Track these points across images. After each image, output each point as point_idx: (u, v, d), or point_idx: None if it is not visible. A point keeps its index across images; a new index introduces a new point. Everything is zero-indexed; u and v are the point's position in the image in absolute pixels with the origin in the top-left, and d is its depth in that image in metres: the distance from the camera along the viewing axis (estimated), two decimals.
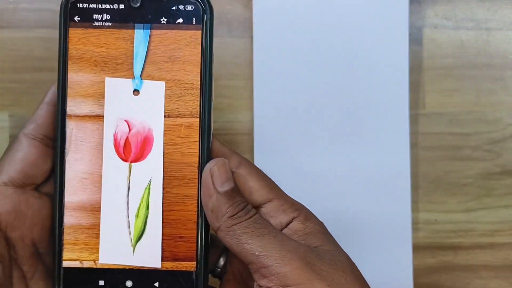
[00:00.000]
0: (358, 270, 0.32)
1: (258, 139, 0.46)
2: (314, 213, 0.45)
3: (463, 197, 0.47)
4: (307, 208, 0.33)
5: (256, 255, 0.30)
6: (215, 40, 0.46)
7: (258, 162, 0.46)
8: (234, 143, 0.47)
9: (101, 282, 0.32)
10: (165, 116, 0.32)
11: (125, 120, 0.32)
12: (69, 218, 0.32)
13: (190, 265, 0.32)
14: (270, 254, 0.30)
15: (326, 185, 0.46)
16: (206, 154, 0.32)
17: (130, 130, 0.32)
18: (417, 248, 0.47)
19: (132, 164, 0.32)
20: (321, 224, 0.33)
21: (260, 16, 0.46)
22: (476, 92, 0.47)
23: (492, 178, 0.47)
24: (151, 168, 0.32)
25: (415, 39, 0.47)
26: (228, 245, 0.31)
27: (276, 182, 0.47)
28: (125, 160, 0.32)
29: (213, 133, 0.33)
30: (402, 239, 0.46)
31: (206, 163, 0.32)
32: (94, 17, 0.32)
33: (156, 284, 0.32)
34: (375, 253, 0.46)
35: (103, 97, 0.32)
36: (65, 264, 0.32)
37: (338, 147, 0.46)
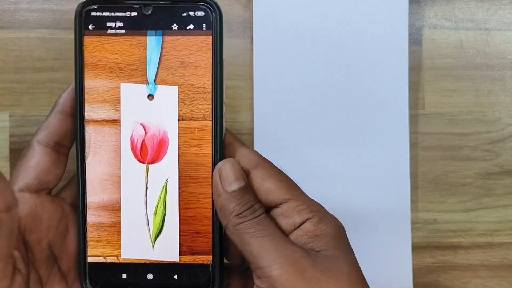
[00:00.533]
0: (359, 278, 0.33)
1: (258, 139, 0.46)
2: None
3: (462, 197, 0.47)
4: (325, 211, 0.34)
5: (253, 256, 0.31)
6: None
7: None
8: None
9: (124, 276, 0.34)
10: (179, 119, 0.33)
11: (141, 124, 0.33)
12: (92, 217, 0.34)
13: (206, 259, 0.33)
14: (265, 257, 0.31)
15: (325, 185, 0.46)
16: (219, 154, 0.33)
17: (146, 133, 0.34)
18: (417, 248, 0.47)
19: (149, 165, 0.34)
20: (335, 227, 0.33)
21: (260, 16, 0.46)
22: (475, 92, 0.47)
23: (491, 178, 0.47)
24: (167, 169, 0.34)
25: (415, 39, 0.47)
26: (234, 242, 0.32)
27: None
28: (142, 162, 0.34)
29: (236, 136, 0.35)
30: (402, 238, 0.46)
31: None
32: (108, 25, 0.33)
33: (175, 277, 0.34)
34: (375, 253, 0.46)
35: (119, 102, 0.33)
36: (90, 259, 0.34)
37: (337, 147, 0.46)
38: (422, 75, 0.47)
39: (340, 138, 0.46)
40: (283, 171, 0.34)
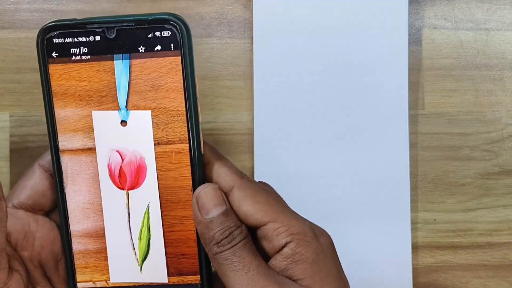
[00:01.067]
0: None
1: (258, 139, 0.46)
2: (312, 212, 0.45)
3: (462, 197, 0.47)
4: (306, 231, 0.32)
5: None
6: (215, 40, 0.47)
7: (258, 162, 0.46)
8: (234, 143, 0.47)
9: None
10: (155, 144, 0.32)
11: (116, 151, 0.33)
12: (77, 245, 0.34)
13: (194, 279, 0.33)
14: None
15: (325, 185, 0.46)
16: (199, 176, 0.32)
17: (122, 160, 0.33)
18: (416, 248, 0.47)
19: (129, 191, 0.33)
20: (314, 251, 0.32)
21: (260, 16, 0.46)
22: (475, 92, 0.47)
23: (490, 178, 0.47)
24: (148, 194, 0.33)
25: (415, 39, 0.48)
26: (216, 270, 0.32)
27: (275, 182, 0.47)
28: (122, 189, 0.33)
29: (217, 151, 0.33)
30: (401, 238, 0.46)
31: (198, 185, 0.32)
32: (71, 52, 0.32)
33: None
34: (374, 253, 0.46)
35: (93, 130, 0.32)
36: (80, 285, 0.34)
37: (337, 147, 0.46)
38: (422, 75, 0.47)
39: (340, 138, 0.46)
40: (264, 187, 0.33)
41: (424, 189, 0.47)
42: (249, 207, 0.32)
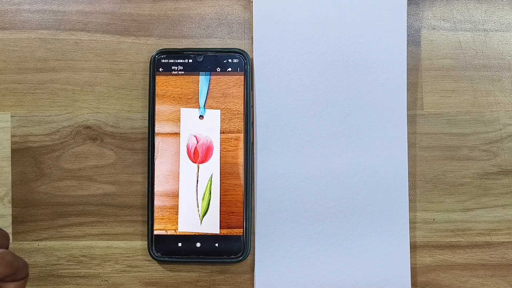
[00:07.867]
0: None
1: (258, 139, 0.47)
2: (312, 212, 0.45)
3: (461, 196, 0.47)
4: None
5: None
6: (215, 41, 0.48)
7: (258, 162, 0.46)
8: None
9: (180, 244, 0.46)
10: (221, 132, 0.46)
11: (194, 136, 0.46)
12: (158, 202, 0.46)
13: (239, 231, 0.46)
14: None
15: (324, 185, 0.46)
16: (248, 157, 0.46)
17: (197, 142, 0.46)
18: (415, 247, 0.47)
19: (200, 164, 0.46)
20: None
21: (260, 17, 0.47)
22: (473, 92, 0.48)
23: (489, 178, 0.47)
24: (212, 167, 0.46)
25: (413, 40, 0.48)
26: None
27: (275, 182, 0.47)
28: (195, 162, 0.46)
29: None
30: (400, 238, 0.46)
31: (248, 165, 0.46)
32: (172, 68, 0.47)
33: (217, 245, 0.46)
34: (373, 252, 0.46)
35: (179, 121, 0.46)
36: (156, 232, 0.46)
37: (337, 147, 0.46)
38: (421, 76, 0.48)
39: (339, 138, 0.47)
40: None
41: (423, 189, 0.47)
42: None
